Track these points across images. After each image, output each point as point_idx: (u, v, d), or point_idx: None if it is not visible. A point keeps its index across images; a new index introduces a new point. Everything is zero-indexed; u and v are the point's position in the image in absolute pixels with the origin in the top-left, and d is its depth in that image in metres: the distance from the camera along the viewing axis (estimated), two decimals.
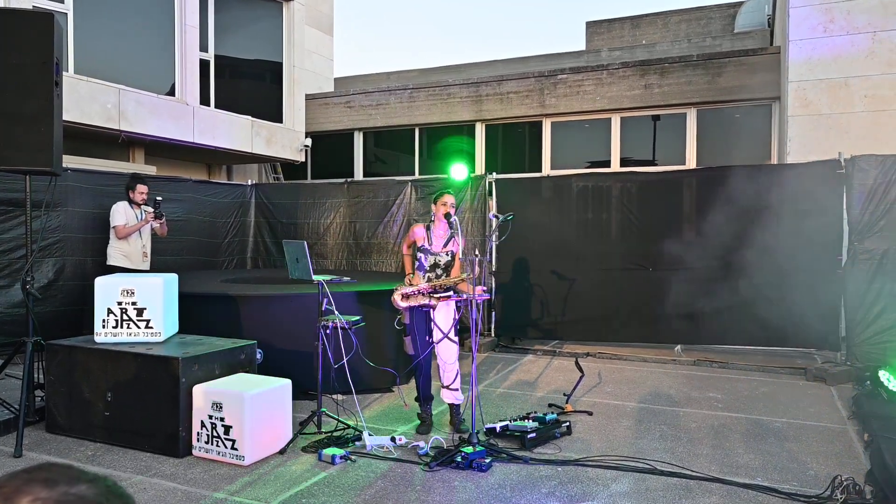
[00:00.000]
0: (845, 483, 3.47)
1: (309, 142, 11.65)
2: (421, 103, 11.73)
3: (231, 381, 4.33)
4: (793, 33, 8.40)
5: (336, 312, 4.62)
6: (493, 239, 7.49)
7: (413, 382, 6.03)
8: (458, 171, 7.18)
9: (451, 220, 4.71)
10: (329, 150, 12.55)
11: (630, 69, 10.44)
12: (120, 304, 4.54)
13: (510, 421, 4.56)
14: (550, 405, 5.33)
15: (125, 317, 4.54)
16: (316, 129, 12.15)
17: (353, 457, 4.11)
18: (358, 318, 4.83)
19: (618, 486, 3.74)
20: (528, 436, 4.34)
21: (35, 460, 4.02)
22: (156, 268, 6.70)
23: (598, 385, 6.15)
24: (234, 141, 10.10)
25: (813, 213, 6.74)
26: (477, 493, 3.63)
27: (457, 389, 4.77)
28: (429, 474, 3.88)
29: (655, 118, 10.56)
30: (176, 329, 4.93)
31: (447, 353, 4.76)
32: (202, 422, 4.12)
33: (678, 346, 7.54)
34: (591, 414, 5.17)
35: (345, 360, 4.61)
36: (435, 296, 4.66)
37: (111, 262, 6.42)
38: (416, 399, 4.90)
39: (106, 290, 4.55)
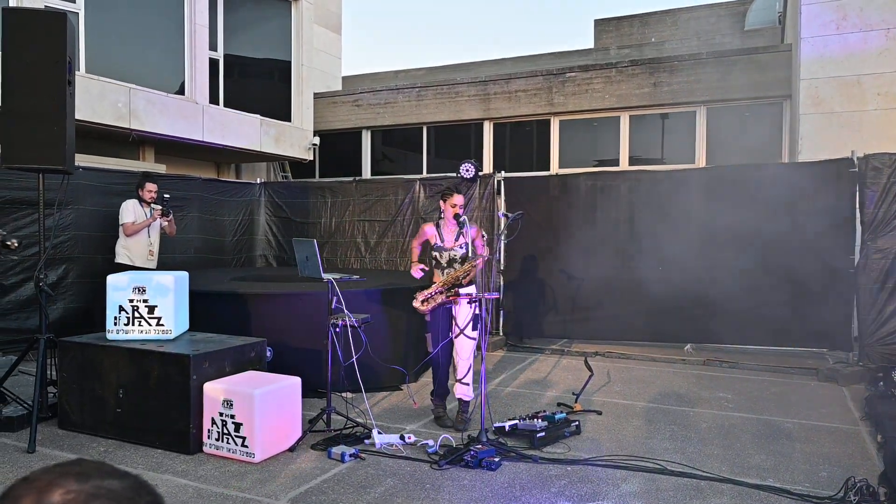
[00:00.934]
0: (859, 485, 3.44)
1: (317, 140, 11.67)
2: (429, 102, 11.73)
3: (241, 378, 4.35)
4: (804, 31, 8.34)
5: (346, 310, 4.63)
6: (502, 238, 7.48)
7: (421, 381, 6.06)
8: (466, 170, 7.18)
9: (461, 219, 4.73)
10: (337, 148, 12.58)
11: (639, 67, 10.39)
12: (132, 301, 4.56)
13: (519, 420, 4.55)
14: (560, 404, 5.32)
15: (137, 314, 4.56)
16: (324, 128, 12.18)
17: (362, 455, 4.11)
18: (367, 316, 4.84)
19: (628, 486, 3.72)
20: (538, 435, 4.33)
21: (48, 456, 4.05)
22: (165, 266, 6.72)
23: (607, 384, 6.13)
24: (243, 139, 10.13)
25: (825, 212, 6.69)
26: (486, 492, 3.62)
27: (468, 384, 4.82)
28: (438, 473, 3.88)
29: (664, 116, 10.51)
30: (187, 327, 4.95)
31: (463, 349, 4.83)
32: (213, 419, 4.14)
33: (688, 346, 7.51)
34: (600, 413, 5.15)
35: (354, 358, 4.62)
36: (450, 292, 4.70)
37: (118, 259, 6.48)
38: (432, 393, 4.95)
39: (118, 288, 4.58)
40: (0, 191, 6.54)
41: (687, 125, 10.25)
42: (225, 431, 4.09)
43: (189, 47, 9.51)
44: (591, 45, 17.33)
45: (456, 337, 4.83)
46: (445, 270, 4.82)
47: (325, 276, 4.67)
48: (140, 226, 6.47)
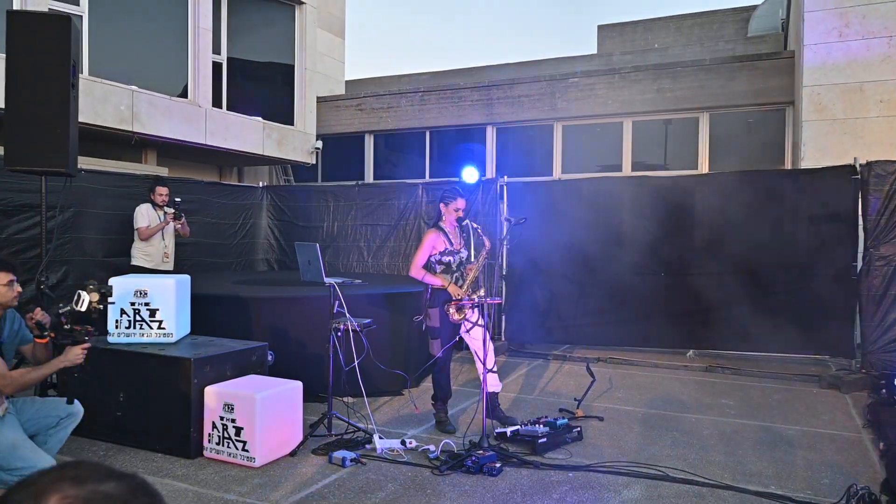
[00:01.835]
0: (861, 492, 3.42)
1: (320, 144, 11.68)
2: (432, 106, 11.74)
3: (242, 382, 4.34)
4: (807, 38, 8.34)
5: (348, 315, 4.63)
6: (505, 243, 7.47)
7: (422, 386, 6.04)
8: (469, 174, 7.16)
9: (464, 224, 4.73)
10: (340, 152, 12.59)
11: (642, 73, 10.40)
12: (133, 304, 4.56)
13: (521, 425, 4.54)
14: (561, 410, 5.30)
15: (138, 318, 4.56)
16: (327, 132, 12.19)
17: (363, 460, 4.10)
18: (369, 320, 4.83)
19: (629, 493, 3.71)
20: (539, 441, 4.31)
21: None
22: (179, 268, 6.81)
23: (609, 390, 6.11)
24: (246, 143, 10.14)
25: (827, 219, 6.68)
26: (487, 498, 3.61)
27: (496, 372, 4.88)
28: (439, 478, 3.87)
29: (667, 122, 10.52)
30: (188, 330, 4.95)
31: (481, 336, 4.74)
32: (213, 423, 4.13)
33: (690, 352, 7.49)
34: (602, 419, 5.14)
35: (356, 363, 4.61)
36: (474, 298, 4.74)
37: (134, 262, 6.63)
38: (434, 398, 4.94)
39: (119, 291, 4.57)
40: (2, 192, 6.54)
41: (690, 131, 10.25)
42: (226, 435, 4.08)
43: (192, 50, 9.54)
44: (594, 50, 17.37)
45: (468, 331, 4.82)
46: (454, 275, 4.83)
47: (328, 280, 4.66)
48: (154, 229, 6.61)
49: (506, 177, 8.30)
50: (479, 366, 4.80)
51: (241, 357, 4.59)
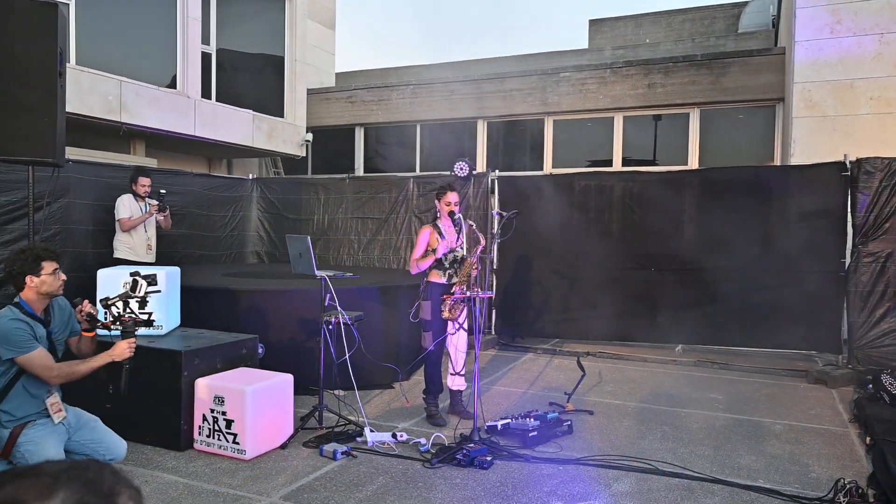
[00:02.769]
0: (848, 486, 3.46)
1: (310, 136, 11.61)
2: (423, 99, 11.70)
3: (233, 375, 4.32)
4: (799, 34, 8.38)
5: (339, 308, 4.61)
6: (497, 237, 7.47)
7: (413, 379, 6.04)
8: (460, 168, 7.17)
9: (456, 217, 4.73)
10: (330, 145, 12.52)
11: (633, 68, 10.41)
12: None
13: (511, 419, 4.55)
14: (552, 404, 5.32)
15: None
16: (317, 124, 12.12)
17: (354, 452, 4.10)
18: (360, 313, 4.83)
19: (619, 486, 3.73)
20: (530, 434, 4.33)
21: None
22: (160, 260, 6.73)
23: (599, 384, 6.14)
24: (235, 135, 10.06)
25: (817, 215, 6.73)
26: (478, 491, 3.62)
27: (463, 375, 5.00)
28: (430, 471, 3.87)
29: (658, 118, 10.54)
30: (178, 322, 4.92)
31: (462, 343, 5.00)
32: (204, 415, 4.10)
33: (679, 347, 7.54)
34: (592, 413, 5.16)
35: (347, 356, 4.59)
36: (467, 293, 4.76)
37: (117, 254, 6.51)
38: (425, 392, 4.98)
39: (108, 282, 4.53)
40: None
41: (680, 127, 10.28)
42: (216, 428, 4.06)
43: (181, 41, 9.43)
44: (585, 45, 17.36)
45: (455, 332, 4.93)
46: (447, 271, 4.88)
47: (319, 272, 4.64)
48: (136, 221, 6.52)
49: (497, 171, 8.29)
50: (457, 363, 4.97)
51: (232, 350, 4.56)
